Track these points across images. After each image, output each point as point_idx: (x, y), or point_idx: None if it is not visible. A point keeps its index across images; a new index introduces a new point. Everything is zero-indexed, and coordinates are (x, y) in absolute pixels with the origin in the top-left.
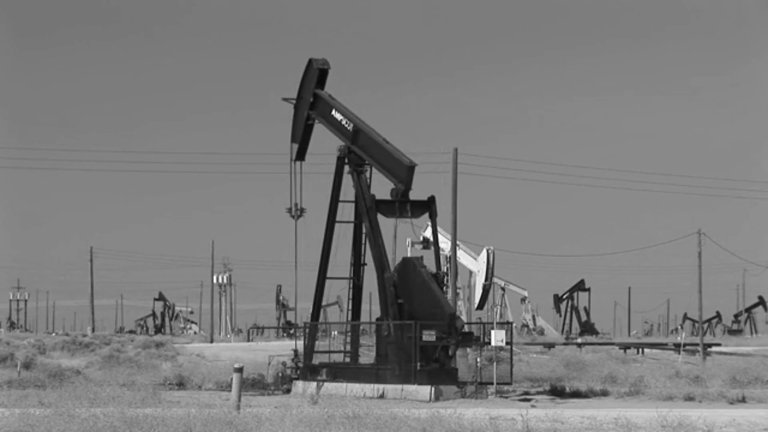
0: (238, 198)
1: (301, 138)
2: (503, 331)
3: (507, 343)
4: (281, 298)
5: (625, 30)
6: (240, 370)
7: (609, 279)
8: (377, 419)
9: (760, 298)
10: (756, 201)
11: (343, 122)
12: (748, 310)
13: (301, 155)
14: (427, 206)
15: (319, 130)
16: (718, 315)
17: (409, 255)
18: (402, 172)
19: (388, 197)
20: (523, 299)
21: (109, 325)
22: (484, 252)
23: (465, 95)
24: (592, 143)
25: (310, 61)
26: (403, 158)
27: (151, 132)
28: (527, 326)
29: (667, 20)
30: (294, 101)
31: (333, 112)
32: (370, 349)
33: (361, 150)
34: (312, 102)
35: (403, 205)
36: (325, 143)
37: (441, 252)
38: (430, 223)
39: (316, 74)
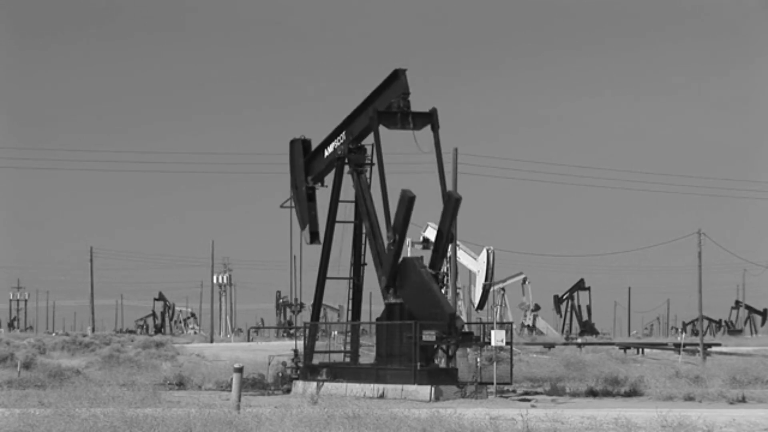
0: (238, 198)
1: (310, 216)
2: (503, 331)
3: (507, 343)
4: (281, 301)
5: (625, 30)
6: (240, 370)
7: (609, 279)
8: (377, 419)
9: (765, 310)
10: (756, 201)
11: (336, 145)
12: (749, 309)
13: (315, 237)
14: (429, 118)
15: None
16: (719, 322)
17: (409, 255)
18: (395, 84)
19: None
20: (524, 280)
21: (109, 325)
22: (484, 252)
23: (465, 95)
24: (592, 143)
25: (292, 142)
26: (388, 76)
27: (151, 132)
28: (528, 326)
29: (667, 20)
30: (290, 199)
31: (325, 153)
32: (370, 349)
33: (361, 125)
34: (305, 171)
35: (405, 116)
36: None
37: None
38: (431, 225)
39: (301, 147)
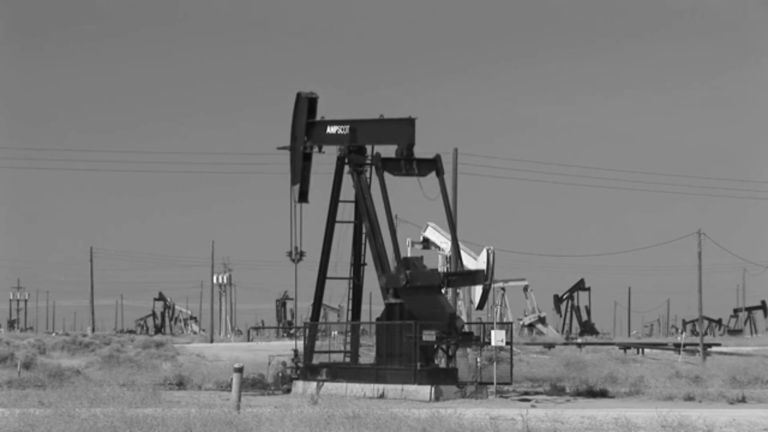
0: (238, 198)
1: (302, 176)
2: (503, 331)
3: (507, 343)
4: (280, 307)
5: (625, 30)
6: (240, 370)
7: (609, 279)
8: (377, 419)
9: (763, 302)
10: (756, 201)
11: (339, 131)
12: (749, 309)
13: (304, 196)
14: (434, 164)
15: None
16: (719, 321)
17: (409, 255)
18: (404, 129)
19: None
20: (526, 288)
21: (109, 325)
22: (484, 252)
23: (465, 95)
24: (592, 143)
25: (298, 95)
26: (401, 118)
27: (151, 132)
28: (531, 326)
29: (667, 20)
30: (288, 146)
31: (327, 129)
32: (370, 349)
33: (363, 140)
34: (306, 133)
35: (409, 163)
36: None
37: (441, 252)
38: (431, 225)
39: (306, 105)
